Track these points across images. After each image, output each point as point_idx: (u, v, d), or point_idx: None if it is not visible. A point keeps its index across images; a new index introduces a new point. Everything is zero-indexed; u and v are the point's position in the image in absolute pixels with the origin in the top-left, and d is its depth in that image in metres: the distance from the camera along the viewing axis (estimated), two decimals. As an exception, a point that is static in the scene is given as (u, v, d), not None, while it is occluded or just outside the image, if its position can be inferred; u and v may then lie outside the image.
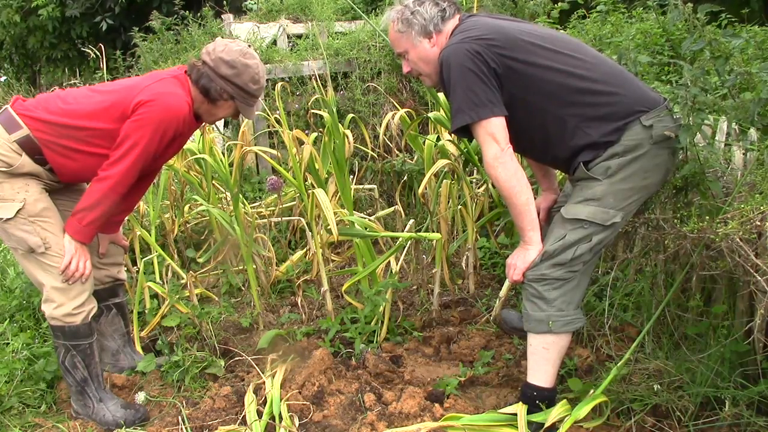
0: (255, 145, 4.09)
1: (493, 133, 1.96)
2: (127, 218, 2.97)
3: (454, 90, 1.98)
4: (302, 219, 3.61)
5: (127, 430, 2.26)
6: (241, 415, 2.24)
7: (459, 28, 2.06)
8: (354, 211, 3.02)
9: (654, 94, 2.04)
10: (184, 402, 2.40)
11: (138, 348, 2.76)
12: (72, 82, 5.85)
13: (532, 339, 2.06)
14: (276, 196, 3.68)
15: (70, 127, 2.15)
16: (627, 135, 1.94)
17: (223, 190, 3.53)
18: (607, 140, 1.95)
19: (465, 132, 2.04)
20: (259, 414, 2.21)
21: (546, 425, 1.97)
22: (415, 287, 3.20)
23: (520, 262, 2.05)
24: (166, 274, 3.21)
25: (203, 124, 2.52)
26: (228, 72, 2.19)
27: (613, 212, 1.95)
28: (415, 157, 3.95)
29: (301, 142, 3.11)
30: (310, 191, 2.84)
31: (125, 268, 3.01)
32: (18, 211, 2.12)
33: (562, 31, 4.05)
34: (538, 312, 2.02)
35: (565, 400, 2.08)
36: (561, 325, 2.00)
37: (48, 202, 2.20)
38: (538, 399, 2.07)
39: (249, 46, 2.28)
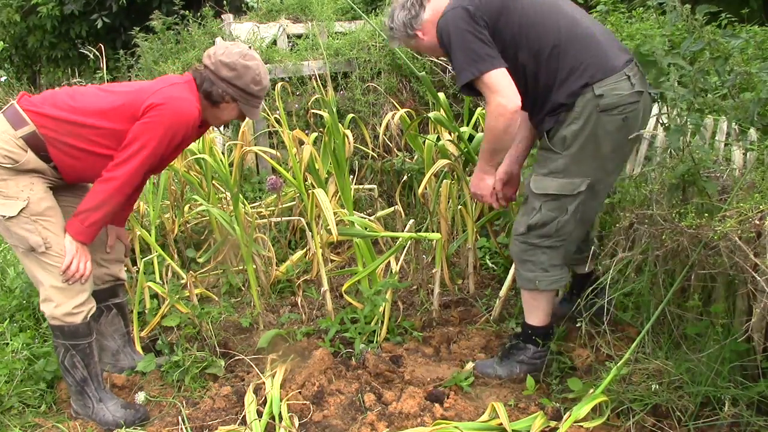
0: (255, 145, 4.09)
1: (495, 84, 2.06)
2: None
3: (454, 51, 2.11)
4: (302, 219, 3.62)
5: (127, 430, 2.26)
6: (241, 415, 2.24)
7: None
8: (354, 211, 3.02)
9: (616, 58, 2.10)
10: (184, 402, 2.40)
11: (138, 348, 2.76)
12: (75, 80, 5.85)
13: (524, 292, 2.38)
14: (276, 196, 3.68)
15: (78, 124, 2.14)
16: (579, 101, 2.08)
17: (223, 190, 3.53)
18: (563, 102, 2.09)
19: (471, 89, 2.15)
20: (259, 414, 2.21)
21: None
22: (415, 287, 3.21)
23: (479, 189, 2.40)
24: (166, 274, 3.21)
25: (208, 129, 2.56)
26: (228, 74, 2.21)
27: (578, 180, 2.13)
28: (415, 157, 3.95)
29: (301, 142, 3.12)
30: (310, 191, 2.84)
31: (125, 268, 3.01)
32: (21, 210, 2.12)
33: None
34: (528, 273, 2.29)
35: (541, 413, 2.11)
36: (546, 284, 2.28)
37: (52, 201, 2.20)
38: (533, 335, 2.38)
39: (249, 47, 2.30)
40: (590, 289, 2.17)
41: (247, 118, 2.44)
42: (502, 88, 2.05)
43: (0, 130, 2.12)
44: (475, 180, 2.41)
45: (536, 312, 2.37)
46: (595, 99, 2.06)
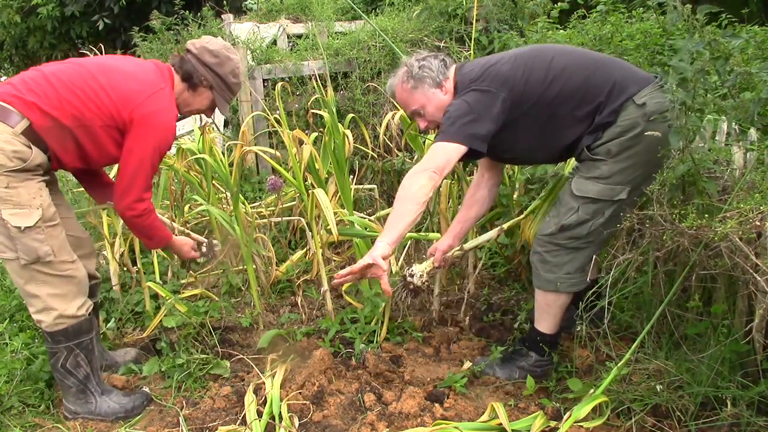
0: (255, 145, 4.09)
1: (447, 158, 2.07)
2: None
3: (455, 113, 2.12)
4: (302, 219, 3.61)
5: (128, 430, 2.26)
6: (241, 415, 2.24)
7: (460, 77, 2.23)
8: (354, 211, 3.02)
9: (643, 73, 2.18)
10: (184, 402, 2.40)
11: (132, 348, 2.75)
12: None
13: (539, 295, 2.32)
14: (276, 196, 3.67)
15: (66, 121, 2.08)
16: (623, 115, 2.08)
17: (223, 190, 3.53)
18: (605, 122, 2.10)
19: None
20: (259, 414, 2.21)
21: None
22: (415, 287, 3.20)
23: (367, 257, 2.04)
24: (166, 274, 3.21)
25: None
26: (212, 60, 2.29)
27: (620, 188, 2.11)
28: (415, 157, 3.95)
29: (301, 142, 3.11)
30: (310, 191, 2.84)
31: (125, 268, 3.01)
32: (38, 220, 2.06)
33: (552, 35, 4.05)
34: (548, 274, 2.25)
35: (541, 413, 2.11)
36: (566, 287, 2.25)
37: (53, 204, 2.15)
38: (540, 342, 2.36)
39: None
40: (591, 291, 2.16)
41: (211, 118, 2.47)
42: (446, 165, 2.05)
43: None
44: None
45: (547, 318, 2.34)
46: (640, 108, 2.06)
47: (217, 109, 2.46)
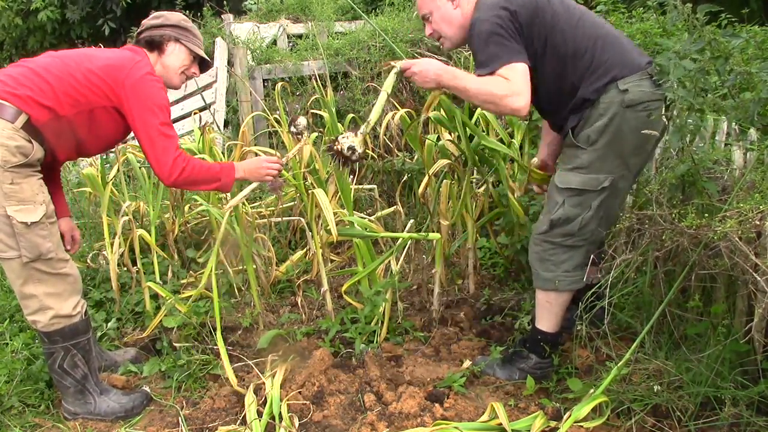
0: (255, 145, 4.09)
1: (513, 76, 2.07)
2: (127, 218, 2.98)
3: (481, 45, 2.11)
4: (302, 219, 3.62)
5: (127, 430, 2.26)
6: (241, 415, 2.24)
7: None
8: (354, 211, 3.02)
9: (639, 58, 2.14)
10: (184, 402, 2.40)
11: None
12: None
13: (539, 294, 2.33)
14: (276, 196, 3.67)
15: (68, 106, 2.12)
16: (604, 97, 2.09)
17: (223, 190, 3.52)
18: (588, 98, 2.10)
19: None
20: (259, 414, 2.21)
21: None
22: (415, 287, 3.20)
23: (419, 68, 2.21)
24: (166, 274, 3.21)
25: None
26: (157, 22, 2.37)
27: (602, 176, 2.12)
28: (415, 157, 3.95)
29: (301, 142, 3.11)
30: (310, 191, 2.84)
31: (125, 268, 3.01)
32: (43, 215, 2.07)
33: None
34: (547, 273, 2.27)
35: (541, 413, 2.10)
36: (566, 285, 2.26)
37: (51, 201, 2.17)
38: (542, 341, 2.36)
39: None
40: (590, 291, 2.16)
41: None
42: (519, 84, 2.05)
43: None
44: (427, 65, 2.22)
45: (548, 316, 2.34)
46: (620, 94, 2.06)
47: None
